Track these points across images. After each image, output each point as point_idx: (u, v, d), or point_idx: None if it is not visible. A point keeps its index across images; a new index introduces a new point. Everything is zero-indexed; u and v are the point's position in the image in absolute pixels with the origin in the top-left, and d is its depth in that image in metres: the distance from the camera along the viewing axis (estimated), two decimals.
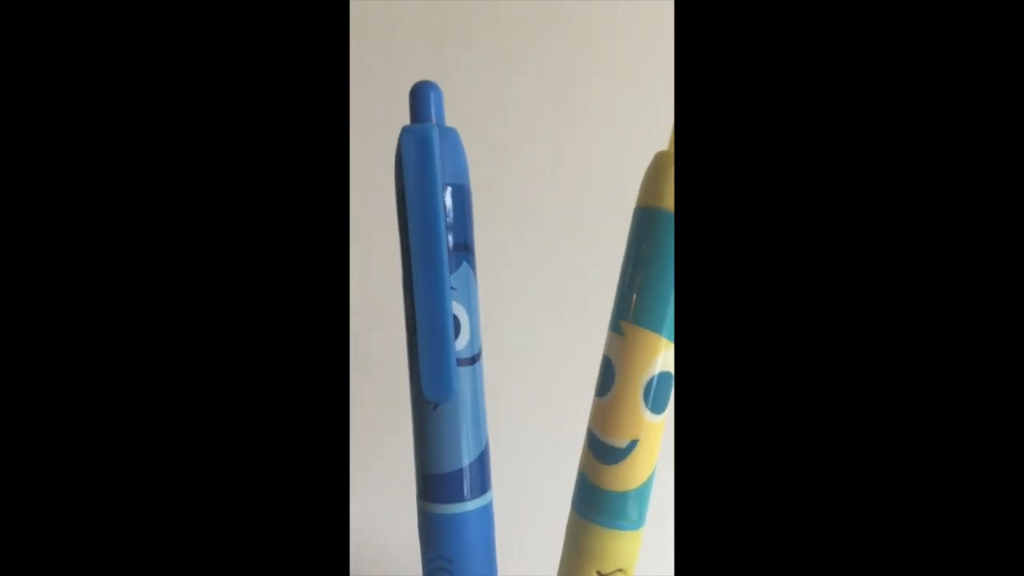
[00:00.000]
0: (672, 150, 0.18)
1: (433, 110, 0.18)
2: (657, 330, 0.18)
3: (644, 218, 0.19)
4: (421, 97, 0.18)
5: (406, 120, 0.18)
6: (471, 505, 0.19)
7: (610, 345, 0.19)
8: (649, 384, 0.18)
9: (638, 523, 0.19)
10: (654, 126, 0.20)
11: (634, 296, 0.19)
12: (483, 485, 0.19)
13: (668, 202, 0.18)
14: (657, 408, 0.19)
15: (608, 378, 0.19)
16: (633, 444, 0.19)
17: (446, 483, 0.18)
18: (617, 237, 0.20)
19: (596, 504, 0.19)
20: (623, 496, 0.19)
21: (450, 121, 0.18)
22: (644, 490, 0.19)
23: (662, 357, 0.18)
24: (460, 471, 0.18)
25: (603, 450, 0.19)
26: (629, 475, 0.19)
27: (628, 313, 0.19)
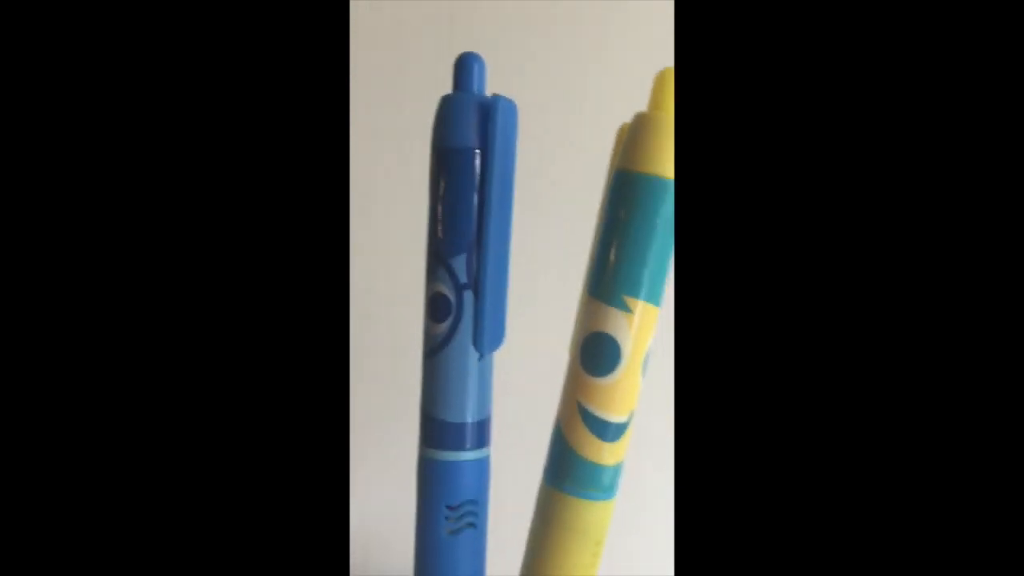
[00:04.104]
0: (654, 111, 0.18)
1: (476, 81, 0.19)
2: (658, 303, 0.19)
3: (626, 182, 0.18)
4: (466, 67, 0.19)
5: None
6: (488, 451, 0.20)
7: (610, 321, 0.19)
8: (647, 357, 0.19)
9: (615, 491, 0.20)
10: None
11: (639, 269, 0.18)
12: (489, 435, 0.20)
13: (651, 166, 0.18)
14: (645, 374, 0.19)
15: (613, 357, 0.19)
16: (631, 415, 0.19)
17: (479, 429, 0.20)
18: None
19: (591, 480, 0.19)
20: (613, 469, 0.20)
21: None
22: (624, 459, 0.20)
23: (655, 329, 0.19)
24: (488, 418, 0.20)
25: (605, 428, 0.19)
26: (624, 447, 0.19)
27: (635, 288, 0.18)
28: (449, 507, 0.19)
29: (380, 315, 0.31)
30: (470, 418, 0.19)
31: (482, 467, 0.20)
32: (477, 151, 0.19)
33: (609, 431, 0.19)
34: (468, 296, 0.19)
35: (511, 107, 0.19)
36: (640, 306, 0.19)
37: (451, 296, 0.19)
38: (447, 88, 0.19)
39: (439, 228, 0.19)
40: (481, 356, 0.19)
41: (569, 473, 0.19)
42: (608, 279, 0.19)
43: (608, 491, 0.20)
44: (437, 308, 0.19)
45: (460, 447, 0.19)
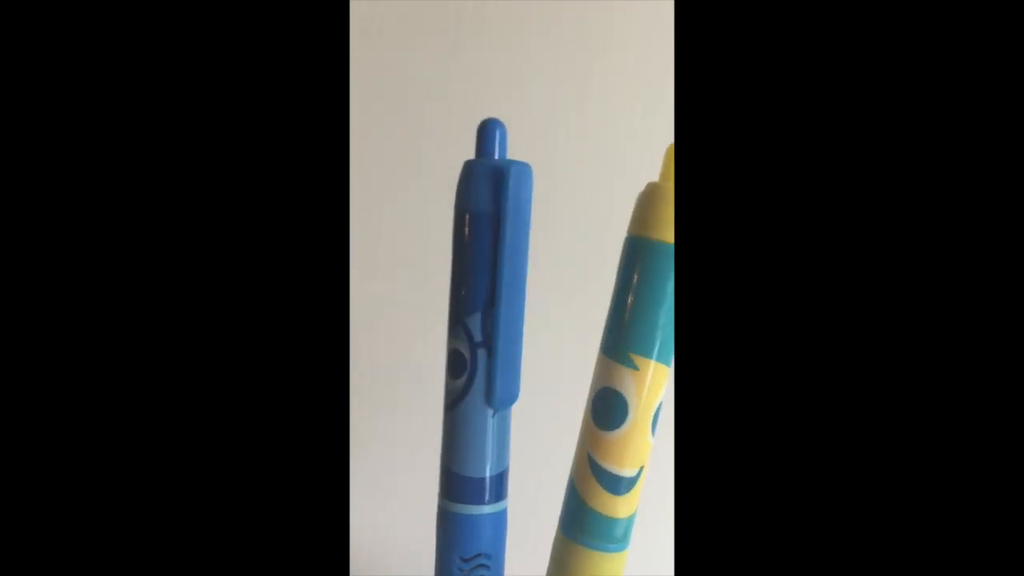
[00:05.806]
0: (664, 182, 0.19)
1: (498, 147, 0.20)
2: (667, 362, 0.20)
3: (637, 247, 0.20)
4: (488, 134, 0.20)
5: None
6: (504, 504, 0.21)
7: (617, 378, 0.20)
8: (655, 412, 0.20)
9: (627, 543, 0.21)
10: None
11: (647, 330, 0.19)
12: (505, 488, 0.21)
13: (660, 232, 0.19)
14: (654, 431, 0.20)
15: (620, 412, 0.20)
16: (640, 471, 0.20)
17: (494, 485, 0.20)
18: None
19: (603, 533, 0.20)
20: (626, 521, 0.20)
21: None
22: (636, 511, 0.21)
23: (666, 387, 0.20)
24: (504, 472, 0.20)
25: (614, 481, 0.20)
26: (635, 501, 0.20)
27: (640, 346, 0.19)
28: (463, 559, 0.20)
29: (379, 326, 0.32)
30: (483, 473, 0.20)
31: (494, 521, 0.20)
32: (491, 216, 0.19)
33: (616, 484, 0.20)
34: (482, 354, 0.20)
35: (524, 172, 0.19)
36: (647, 364, 0.20)
37: (466, 354, 0.20)
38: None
39: (457, 287, 0.20)
40: (494, 412, 0.20)
41: (580, 523, 0.20)
42: (618, 338, 0.20)
43: (620, 543, 0.20)
44: (454, 364, 0.20)
45: (473, 500, 0.20)
